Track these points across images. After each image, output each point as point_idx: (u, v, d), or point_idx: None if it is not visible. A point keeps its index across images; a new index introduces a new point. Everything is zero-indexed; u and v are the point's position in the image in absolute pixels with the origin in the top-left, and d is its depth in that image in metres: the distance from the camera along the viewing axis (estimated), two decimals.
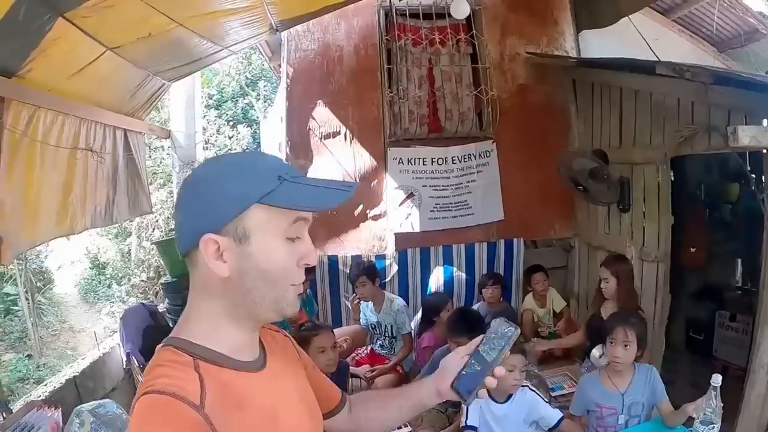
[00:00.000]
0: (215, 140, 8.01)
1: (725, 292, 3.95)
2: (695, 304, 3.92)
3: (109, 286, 7.65)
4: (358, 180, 3.89)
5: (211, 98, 8.80)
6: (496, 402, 2.19)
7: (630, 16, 3.78)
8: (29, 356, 5.94)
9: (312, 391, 0.97)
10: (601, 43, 4.33)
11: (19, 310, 6.33)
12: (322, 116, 3.96)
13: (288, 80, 4.04)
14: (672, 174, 3.18)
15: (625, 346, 2.05)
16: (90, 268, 7.94)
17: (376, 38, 4.05)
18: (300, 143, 3.96)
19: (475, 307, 3.68)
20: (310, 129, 3.96)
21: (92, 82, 2.71)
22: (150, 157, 7.42)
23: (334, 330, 3.46)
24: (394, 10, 4.01)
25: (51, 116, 2.48)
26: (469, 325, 2.65)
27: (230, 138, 8.24)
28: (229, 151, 8.04)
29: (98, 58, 2.50)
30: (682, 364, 3.51)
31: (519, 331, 0.97)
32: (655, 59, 2.46)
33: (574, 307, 3.97)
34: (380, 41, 4.03)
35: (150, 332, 3.29)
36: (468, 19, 4.07)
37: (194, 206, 0.78)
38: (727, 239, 4.01)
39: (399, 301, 3.38)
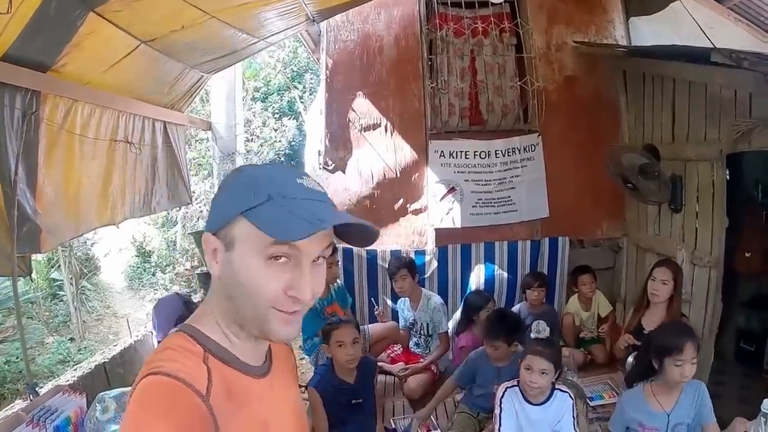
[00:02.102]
0: (260, 132, 8.08)
1: None
2: (747, 313, 3.67)
3: (153, 274, 7.84)
4: (398, 174, 3.81)
5: (258, 91, 8.85)
6: (531, 404, 2.11)
7: (684, 3, 3.54)
8: (71, 339, 6.15)
9: (303, 407, 0.99)
10: (652, 32, 4.11)
11: (65, 295, 6.58)
12: (362, 108, 3.90)
13: (327, 71, 4.00)
14: (727, 172, 2.97)
15: (693, 362, 1.90)
16: (136, 256, 8.15)
17: (416, 28, 3.95)
18: (339, 135, 3.92)
19: (516, 307, 3.56)
20: (349, 121, 3.91)
21: (129, 74, 2.75)
22: (195, 148, 7.58)
23: (370, 327, 3.48)
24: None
25: (88, 109, 2.54)
26: (507, 328, 2.57)
27: (275, 130, 8.31)
28: (274, 143, 8.07)
29: (133, 51, 2.53)
30: (730, 377, 3.30)
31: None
32: (710, 46, 2.25)
33: (620, 312, 3.77)
34: (421, 31, 3.92)
35: (181, 322, 3.32)
36: (512, 7, 3.92)
37: (211, 206, 0.83)
38: None
39: (436, 299, 3.30)
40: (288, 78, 9.14)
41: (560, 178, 3.88)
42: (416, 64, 3.91)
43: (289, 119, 8.76)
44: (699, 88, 3.00)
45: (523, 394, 2.15)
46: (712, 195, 2.94)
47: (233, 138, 5.01)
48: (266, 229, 0.72)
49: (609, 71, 3.96)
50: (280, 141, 8.32)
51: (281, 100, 9.09)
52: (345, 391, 2.41)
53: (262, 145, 7.70)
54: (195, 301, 3.83)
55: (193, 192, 4.90)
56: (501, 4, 3.90)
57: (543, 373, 2.06)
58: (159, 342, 3.28)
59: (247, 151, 7.54)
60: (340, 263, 3.75)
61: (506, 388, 2.19)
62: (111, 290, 8.05)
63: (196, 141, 7.71)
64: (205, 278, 3.90)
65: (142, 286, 7.90)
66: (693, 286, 3.05)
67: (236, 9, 2.64)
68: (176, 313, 3.37)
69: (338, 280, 3.46)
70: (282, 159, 8.44)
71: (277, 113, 8.84)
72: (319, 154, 3.96)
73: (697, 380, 2.01)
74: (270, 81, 9.19)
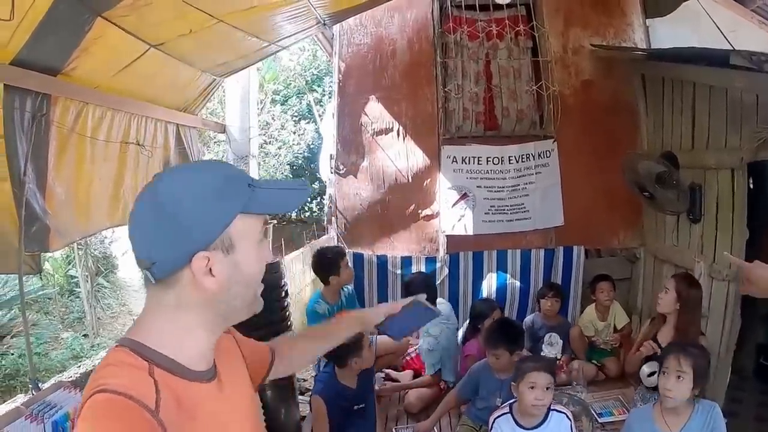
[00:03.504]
0: (278, 135, 8.12)
1: None
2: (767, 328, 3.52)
3: None
4: (410, 179, 3.77)
5: (278, 94, 8.91)
6: (525, 429, 2.03)
7: (703, 5, 3.42)
8: (85, 335, 6.24)
9: (258, 402, 1.04)
10: (672, 36, 3.98)
11: (81, 292, 6.70)
12: (374, 112, 3.87)
13: (340, 75, 3.98)
14: (750, 181, 2.86)
15: (678, 377, 1.82)
16: None
17: (430, 32, 3.91)
18: (351, 139, 3.89)
19: (529, 318, 3.48)
20: (361, 125, 3.88)
21: (140, 78, 2.76)
22: (212, 150, 7.63)
23: (377, 336, 3.43)
24: (449, 2, 3.84)
25: (99, 111, 2.54)
26: (508, 336, 2.52)
27: (293, 133, 8.36)
28: (293, 146, 8.02)
29: (142, 55, 2.54)
30: (748, 394, 3.19)
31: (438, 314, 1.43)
32: (730, 48, 2.15)
33: (636, 325, 3.66)
34: (434, 34, 3.87)
35: None
36: (528, 9, 3.85)
37: (173, 231, 0.76)
38: None
39: (446, 304, 3.25)
40: (308, 81, 9.18)
41: (576, 186, 3.79)
42: (429, 68, 3.87)
43: (308, 123, 8.80)
44: (719, 93, 2.89)
45: (515, 420, 2.07)
46: (732, 205, 2.82)
47: (247, 140, 5.02)
48: (270, 210, 0.85)
49: (627, 75, 3.85)
50: (299, 144, 8.35)
51: (300, 104, 9.15)
52: (348, 397, 2.41)
53: (280, 148, 7.73)
54: None
55: None
56: (515, 5, 3.83)
57: (547, 388, 1.99)
58: None
59: (266, 154, 7.59)
60: None
61: (495, 417, 2.11)
62: (128, 288, 8.15)
63: (215, 143, 7.79)
64: None
65: None
66: (711, 301, 2.93)
67: (244, 13, 2.64)
68: None
69: (349, 285, 3.42)
70: (300, 162, 8.46)
71: (296, 116, 8.89)
72: (331, 158, 3.94)
73: (712, 402, 1.93)
74: (290, 84, 9.25)
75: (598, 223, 3.85)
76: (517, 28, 3.83)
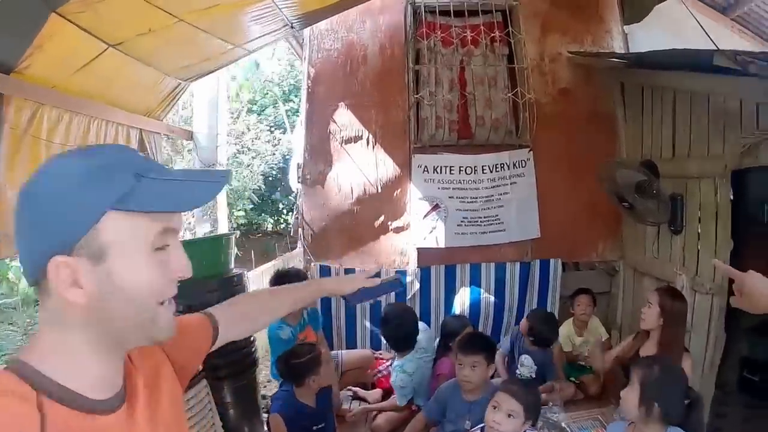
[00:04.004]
0: (252, 144, 7.91)
1: None
2: (752, 341, 3.40)
3: None
4: (380, 189, 3.60)
5: (254, 103, 8.71)
6: None
7: (683, 13, 3.34)
8: None
9: (186, 428, 0.86)
10: (651, 44, 3.87)
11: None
12: (344, 119, 3.70)
13: (309, 81, 3.82)
14: (732, 190, 2.74)
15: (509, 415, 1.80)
16: None
17: (403, 37, 3.77)
18: (320, 147, 3.71)
19: (506, 339, 3.30)
20: (330, 133, 3.71)
21: (99, 79, 2.63)
22: (185, 158, 7.39)
23: (343, 353, 3.26)
24: (423, 7, 3.70)
25: (56, 113, 2.41)
26: (485, 343, 2.42)
27: (268, 143, 8.15)
28: (266, 156, 7.84)
29: (101, 54, 2.41)
30: (732, 408, 3.04)
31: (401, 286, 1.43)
32: (713, 48, 2.02)
33: (615, 339, 3.52)
34: (407, 40, 3.73)
35: None
36: (504, 16, 3.73)
37: (36, 224, 0.62)
38: None
39: (422, 326, 3.06)
40: (285, 92, 9.03)
41: (553, 196, 3.66)
42: (401, 75, 3.72)
43: (283, 133, 8.63)
44: (701, 100, 2.79)
45: None
46: (716, 215, 2.72)
47: (214, 148, 4.82)
48: (161, 207, 0.65)
49: (606, 83, 3.77)
50: (273, 155, 8.15)
51: (276, 114, 8.98)
52: (307, 416, 2.36)
53: (254, 158, 7.53)
54: None
55: None
56: (491, 12, 3.72)
57: (510, 415, 1.83)
58: None
59: (239, 164, 7.37)
60: None
61: None
62: None
63: (188, 151, 7.56)
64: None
65: None
66: (694, 315, 2.81)
67: (205, 12, 2.51)
68: None
69: None
70: (275, 173, 8.27)
71: (272, 126, 8.70)
72: (298, 168, 3.75)
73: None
74: (267, 93, 9.07)
75: (576, 235, 3.71)
76: (493, 34, 3.71)
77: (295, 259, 5.01)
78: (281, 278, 2.89)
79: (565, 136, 3.72)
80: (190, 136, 4.85)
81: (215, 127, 4.99)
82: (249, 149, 7.34)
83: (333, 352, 3.30)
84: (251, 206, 7.29)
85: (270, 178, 7.81)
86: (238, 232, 4.01)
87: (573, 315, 3.32)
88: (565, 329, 3.31)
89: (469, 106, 3.73)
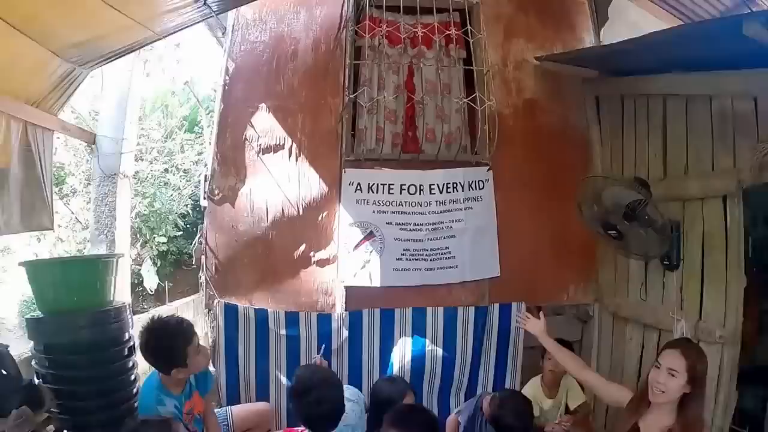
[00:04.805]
0: (182, 164, 6.93)
1: None
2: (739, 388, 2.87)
3: None
4: (301, 211, 2.88)
5: (188, 120, 7.78)
6: None
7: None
8: None
9: None
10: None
11: None
12: (264, 124, 3.01)
13: (227, 77, 3.13)
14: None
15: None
16: None
17: (342, 33, 3.13)
18: (232, 157, 3.00)
19: (465, 407, 2.58)
20: (246, 139, 3.01)
21: None
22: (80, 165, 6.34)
23: (233, 409, 2.52)
24: (368, 0, 3.09)
25: None
26: (428, 419, 1.88)
27: (196, 164, 7.28)
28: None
29: None
30: None
31: None
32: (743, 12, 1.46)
33: (594, 404, 2.87)
34: (346, 36, 3.10)
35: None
36: (462, 15, 3.15)
37: None
38: None
39: (351, 392, 2.34)
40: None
41: (515, 226, 3.04)
42: (337, 75, 3.07)
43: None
44: (701, 104, 2.29)
45: None
46: (725, 244, 2.22)
47: (118, 155, 4.05)
48: None
49: (577, 97, 3.25)
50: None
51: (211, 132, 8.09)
52: None
53: (182, 178, 6.61)
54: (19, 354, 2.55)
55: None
56: (448, 10, 3.14)
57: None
58: None
59: (165, 184, 6.42)
60: (220, 326, 2.76)
61: None
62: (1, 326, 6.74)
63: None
64: (43, 328, 2.54)
65: None
66: None
67: None
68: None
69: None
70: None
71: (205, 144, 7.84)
72: (205, 180, 3.01)
73: None
74: (209, 111, 8.21)
75: (543, 273, 3.09)
76: (449, 32, 3.12)
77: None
78: (152, 332, 2.10)
79: (530, 154, 3.18)
80: (92, 138, 4.06)
81: (121, 130, 4.22)
82: (178, 168, 6.48)
83: (220, 409, 2.52)
84: (179, 233, 6.40)
85: (196, 199, 6.93)
86: (123, 254, 3.22)
87: (542, 373, 2.72)
88: (531, 390, 2.73)
89: (417, 116, 3.10)
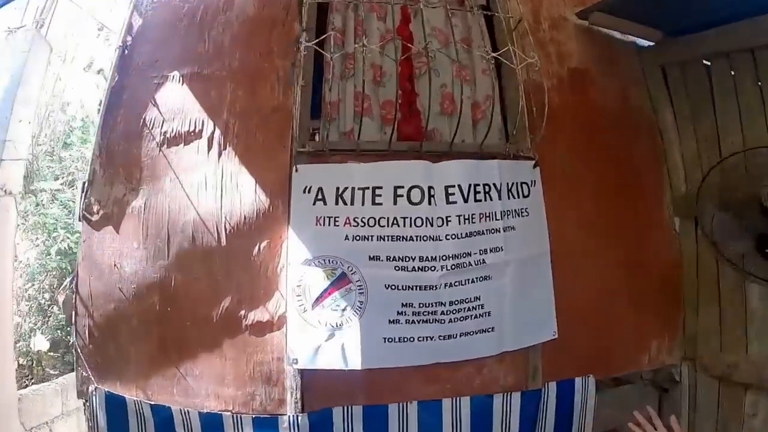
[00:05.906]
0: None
1: None
2: None
3: None
4: (224, 238, 1.72)
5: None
6: None
7: None
8: None
9: None
10: None
11: None
12: (173, 102, 1.91)
13: (129, 37, 2.06)
14: None
15: None
16: None
17: None
18: (122, 153, 1.90)
19: None
20: (145, 125, 1.90)
21: None
22: None
23: None
24: None
25: None
26: None
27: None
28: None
29: None
30: None
31: None
32: None
33: None
34: None
35: None
36: None
37: None
38: None
39: None
40: None
41: (572, 255, 1.94)
42: (289, 25, 1.97)
43: None
44: None
45: None
46: None
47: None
48: None
49: (635, 70, 2.30)
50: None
51: None
52: None
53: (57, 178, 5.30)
54: None
55: None
56: None
57: None
58: None
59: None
60: (101, 427, 1.66)
61: None
62: None
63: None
64: None
65: None
66: None
67: None
68: None
69: None
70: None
71: None
72: (82, 191, 1.88)
73: None
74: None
75: (617, 326, 2.01)
76: None
77: None
78: None
79: (585, 146, 2.12)
80: None
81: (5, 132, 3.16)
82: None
83: None
84: None
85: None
86: None
87: None
88: None
89: (418, 77, 1.99)
